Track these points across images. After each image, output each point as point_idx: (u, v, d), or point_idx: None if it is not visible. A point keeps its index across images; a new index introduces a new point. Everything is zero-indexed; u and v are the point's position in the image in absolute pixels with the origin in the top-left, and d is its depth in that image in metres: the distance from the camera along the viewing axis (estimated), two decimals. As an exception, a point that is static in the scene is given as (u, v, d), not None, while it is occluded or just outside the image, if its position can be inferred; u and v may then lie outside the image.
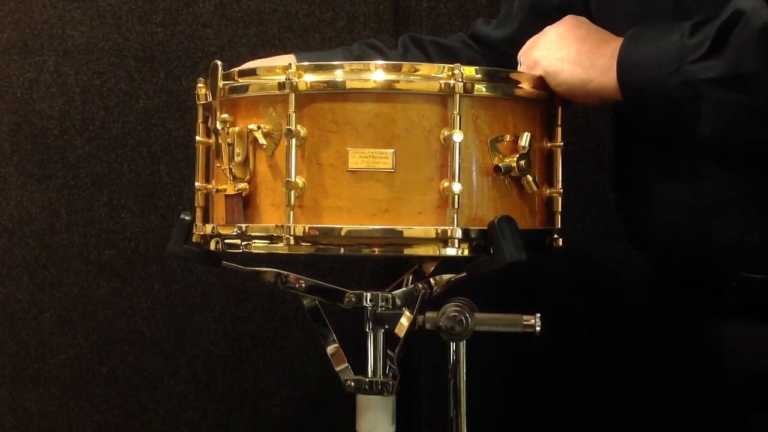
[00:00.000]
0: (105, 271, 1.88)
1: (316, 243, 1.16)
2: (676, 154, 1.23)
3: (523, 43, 1.31)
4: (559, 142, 1.27)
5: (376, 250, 1.16)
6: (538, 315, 1.24)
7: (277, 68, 1.19)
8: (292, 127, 1.15)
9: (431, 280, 1.25)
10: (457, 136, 1.14)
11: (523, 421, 1.89)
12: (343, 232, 1.15)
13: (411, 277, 1.32)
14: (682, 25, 1.13)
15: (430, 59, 1.48)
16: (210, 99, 1.22)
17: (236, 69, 1.24)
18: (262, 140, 1.17)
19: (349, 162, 1.15)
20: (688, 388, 1.37)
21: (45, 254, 1.88)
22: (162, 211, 1.88)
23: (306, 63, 1.18)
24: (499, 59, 1.46)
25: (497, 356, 1.86)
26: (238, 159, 1.19)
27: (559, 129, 1.27)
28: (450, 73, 1.15)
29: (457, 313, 1.22)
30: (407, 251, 1.16)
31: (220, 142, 1.20)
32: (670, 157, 1.24)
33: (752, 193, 1.19)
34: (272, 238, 1.17)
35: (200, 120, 1.27)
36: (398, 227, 1.15)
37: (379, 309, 1.27)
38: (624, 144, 1.36)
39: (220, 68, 1.21)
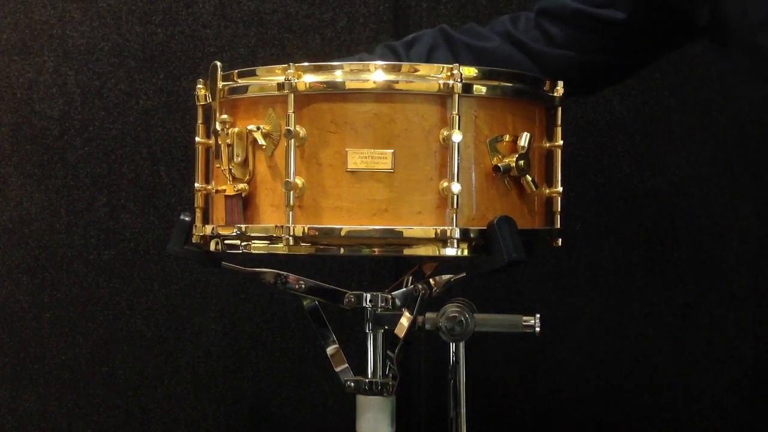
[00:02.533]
0: (105, 271, 1.88)
1: (316, 243, 1.16)
2: None
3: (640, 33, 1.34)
4: (559, 142, 1.27)
5: (375, 250, 1.16)
6: (538, 315, 1.23)
7: (276, 69, 1.19)
8: (292, 128, 1.15)
9: (431, 280, 1.25)
10: (457, 137, 1.14)
11: (522, 421, 1.89)
12: (342, 233, 1.15)
13: (411, 277, 1.32)
14: None
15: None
16: (209, 100, 1.22)
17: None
18: (261, 141, 1.17)
19: (349, 162, 1.15)
20: None
21: (45, 255, 1.88)
22: (162, 212, 1.88)
23: (305, 63, 1.18)
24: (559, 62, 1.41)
25: (497, 356, 1.86)
26: (237, 159, 1.19)
27: (559, 129, 1.27)
28: (449, 74, 1.15)
29: (456, 314, 1.22)
30: (407, 251, 1.16)
31: (219, 142, 1.20)
32: None
33: None
34: (272, 239, 1.17)
35: (200, 121, 1.27)
36: (398, 227, 1.15)
37: (379, 310, 1.27)
38: None
39: (219, 69, 1.21)
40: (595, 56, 1.41)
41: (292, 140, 1.15)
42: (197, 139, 1.27)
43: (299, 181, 1.15)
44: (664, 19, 1.36)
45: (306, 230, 1.15)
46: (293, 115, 1.15)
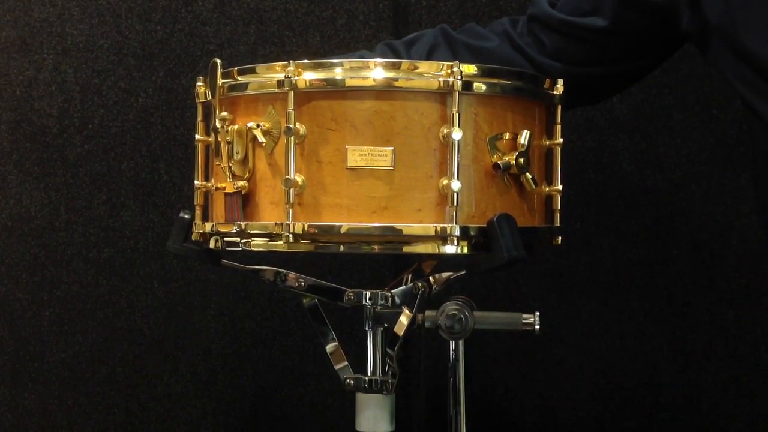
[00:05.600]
0: (104, 269, 1.88)
1: (316, 241, 1.16)
2: None
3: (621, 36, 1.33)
4: (558, 140, 1.27)
5: (375, 247, 1.16)
6: (537, 313, 1.24)
7: (276, 66, 1.19)
8: (291, 125, 1.15)
9: (430, 278, 1.25)
10: (457, 134, 1.14)
11: (522, 419, 1.89)
12: (342, 230, 1.15)
13: (410, 275, 1.32)
14: None
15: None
16: (209, 97, 1.22)
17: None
18: (261, 138, 1.17)
19: (349, 160, 1.15)
20: None
21: (44, 253, 1.88)
22: (161, 210, 1.88)
23: (305, 61, 1.18)
24: (565, 48, 1.40)
25: (497, 355, 1.86)
26: (237, 157, 1.19)
27: (558, 127, 1.27)
28: (449, 71, 1.15)
29: (456, 312, 1.22)
30: (406, 249, 1.16)
31: (219, 140, 1.20)
32: None
33: None
34: (272, 236, 1.17)
35: (199, 118, 1.27)
36: (397, 225, 1.15)
37: (379, 307, 1.27)
38: None
39: (219, 66, 1.21)
40: (583, 68, 1.40)
41: (292, 138, 1.15)
42: (197, 136, 1.27)
43: (299, 178, 1.15)
44: (646, 24, 1.36)
45: (306, 228, 1.15)
46: (293, 112, 1.15)
